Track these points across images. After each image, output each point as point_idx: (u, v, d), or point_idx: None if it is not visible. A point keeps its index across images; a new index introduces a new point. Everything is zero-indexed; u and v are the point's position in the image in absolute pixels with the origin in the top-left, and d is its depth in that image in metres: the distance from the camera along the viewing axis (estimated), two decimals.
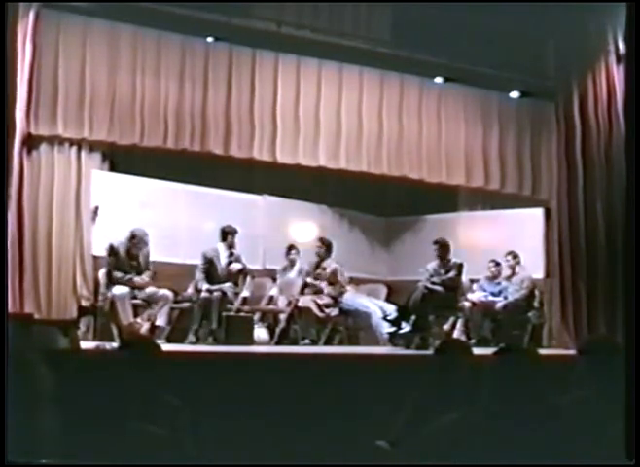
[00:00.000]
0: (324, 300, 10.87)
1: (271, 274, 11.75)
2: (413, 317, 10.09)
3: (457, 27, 11.11)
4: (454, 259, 10.70)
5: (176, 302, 10.26)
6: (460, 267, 10.63)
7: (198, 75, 11.16)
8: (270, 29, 11.06)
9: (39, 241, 10.27)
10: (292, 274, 11.49)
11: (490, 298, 11.48)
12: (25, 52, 9.91)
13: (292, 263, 11.59)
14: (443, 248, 10.71)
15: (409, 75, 12.31)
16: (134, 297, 9.82)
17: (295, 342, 10.65)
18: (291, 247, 11.70)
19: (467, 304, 11.20)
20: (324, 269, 11.14)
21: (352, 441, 4.97)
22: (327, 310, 10.81)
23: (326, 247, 11.29)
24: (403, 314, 10.15)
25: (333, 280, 11.09)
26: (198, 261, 10.50)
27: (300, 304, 10.79)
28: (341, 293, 11.07)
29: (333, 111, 11.97)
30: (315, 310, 10.71)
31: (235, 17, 10.81)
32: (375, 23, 11.66)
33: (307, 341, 10.56)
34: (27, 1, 9.74)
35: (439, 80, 12.36)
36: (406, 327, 10.09)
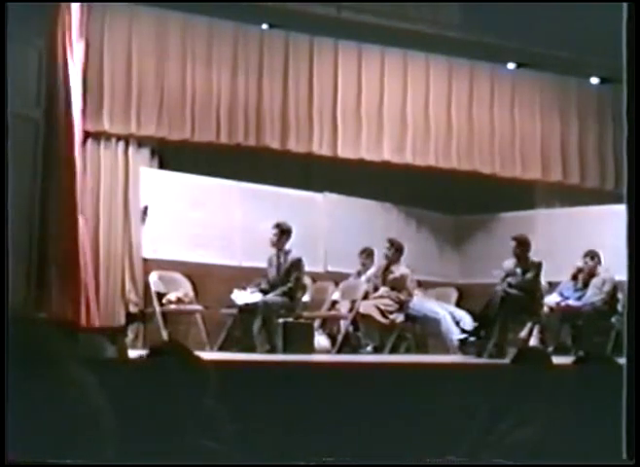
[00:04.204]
0: (388, 305, 10.82)
1: (333, 278, 11.71)
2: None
3: (530, 7, 10.99)
4: (533, 258, 10.53)
5: (229, 307, 10.27)
6: (539, 267, 10.46)
7: (253, 65, 11.21)
8: (329, 14, 11.06)
9: (85, 243, 10.35)
10: (361, 278, 11.42)
11: (569, 302, 11.35)
12: (69, 43, 10.02)
13: (365, 267, 11.52)
14: (522, 245, 10.46)
15: (480, 61, 12.24)
16: None
17: (357, 350, 10.64)
18: (363, 250, 11.62)
19: (544, 308, 11.08)
20: (392, 272, 11.07)
21: (419, 456, 4.94)
22: (391, 316, 10.76)
23: (396, 249, 11.16)
24: (483, 324, 10.05)
25: (400, 286, 11.02)
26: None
27: (361, 309, 10.75)
28: (408, 300, 11.01)
29: (397, 101, 11.95)
30: (377, 316, 10.67)
31: (291, 2, 10.82)
32: (442, 5, 11.60)
33: (369, 348, 10.54)
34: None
35: (511, 66, 12.27)
36: (482, 335, 10.02)
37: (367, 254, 11.58)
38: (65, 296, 9.77)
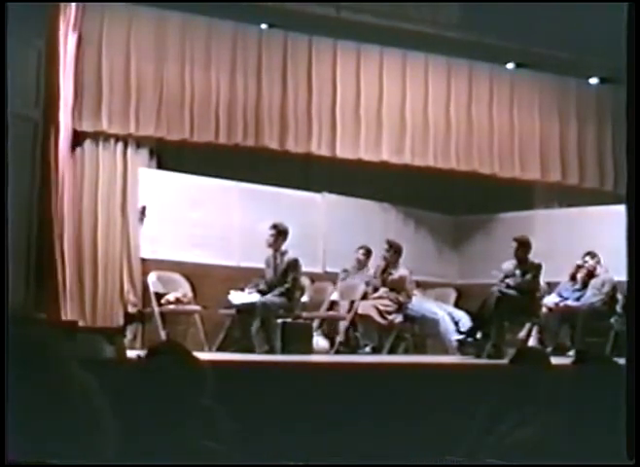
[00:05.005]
0: (387, 306, 10.82)
1: (332, 278, 11.70)
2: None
3: (530, 7, 10.99)
4: (532, 260, 10.52)
5: (227, 307, 10.26)
6: (538, 268, 10.46)
7: (251, 65, 11.20)
8: (328, 14, 11.05)
9: (83, 244, 10.36)
10: (357, 278, 11.40)
11: (567, 303, 11.35)
12: (68, 43, 10.02)
13: (360, 265, 11.50)
14: (522, 246, 10.44)
15: (479, 61, 12.24)
16: None
17: (355, 351, 10.65)
18: (361, 247, 11.60)
19: (543, 309, 11.08)
20: (390, 274, 11.06)
21: (419, 456, 4.95)
22: (390, 317, 10.76)
23: (395, 251, 11.16)
24: (478, 324, 10.06)
25: (399, 287, 11.02)
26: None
27: (360, 310, 10.75)
28: (407, 302, 11.01)
29: (396, 101, 11.94)
30: (376, 317, 10.67)
31: (291, 2, 10.81)
32: (441, 5, 11.59)
33: (368, 349, 10.54)
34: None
35: (510, 66, 12.27)
36: (479, 335, 10.02)
37: (365, 250, 11.56)
38: (54, 295, 9.78)
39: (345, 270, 11.52)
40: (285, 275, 10.16)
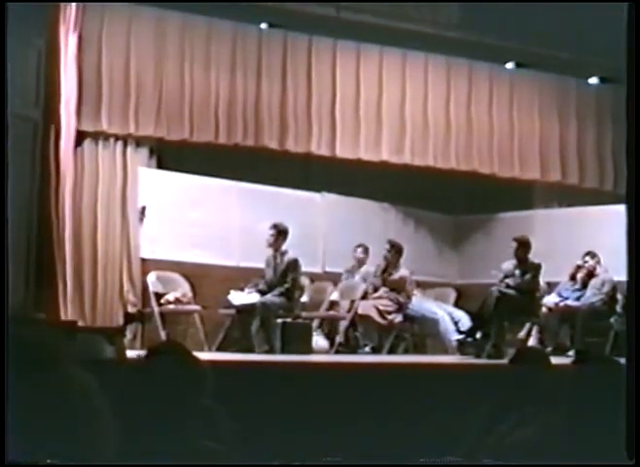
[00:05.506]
0: (387, 305, 10.82)
1: (332, 278, 11.70)
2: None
3: (530, 7, 11.00)
4: (532, 260, 10.53)
5: (227, 307, 10.26)
6: (538, 268, 10.47)
7: (251, 65, 11.20)
8: (328, 14, 11.05)
9: (83, 244, 10.36)
10: (356, 277, 11.42)
11: (567, 302, 11.35)
12: (68, 43, 10.03)
13: (359, 263, 11.52)
14: (522, 246, 10.45)
15: (479, 61, 12.24)
16: None
17: (355, 351, 10.65)
18: (359, 245, 11.61)
19: (543, 308, 11.08)
20: (391, 274, 11.06)
21: (419, 456, 4.94)
22: (390, 317, 10.76)
23: (396, 251, 11.15)
24: (478, 324, 10.06)
25: (400, 288, 11.01)
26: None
27: (360, 310, 10.75)
28: (407, 302, 11.01)
29: (396, 101, 11.94)
30: (376, 317, 10.67)
31: (290, 2, 10.81)
32: (441, 5, 11.59)
33: (367, 349, 10.55)
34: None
35: (510, 66, 12.27)
36: (479, 335, 10.03)
37: (363, 248, 11.57)
38: (54, 295, 9.79)
39: (347, 271, 11.53)
40: (285, 275, 10.16)
